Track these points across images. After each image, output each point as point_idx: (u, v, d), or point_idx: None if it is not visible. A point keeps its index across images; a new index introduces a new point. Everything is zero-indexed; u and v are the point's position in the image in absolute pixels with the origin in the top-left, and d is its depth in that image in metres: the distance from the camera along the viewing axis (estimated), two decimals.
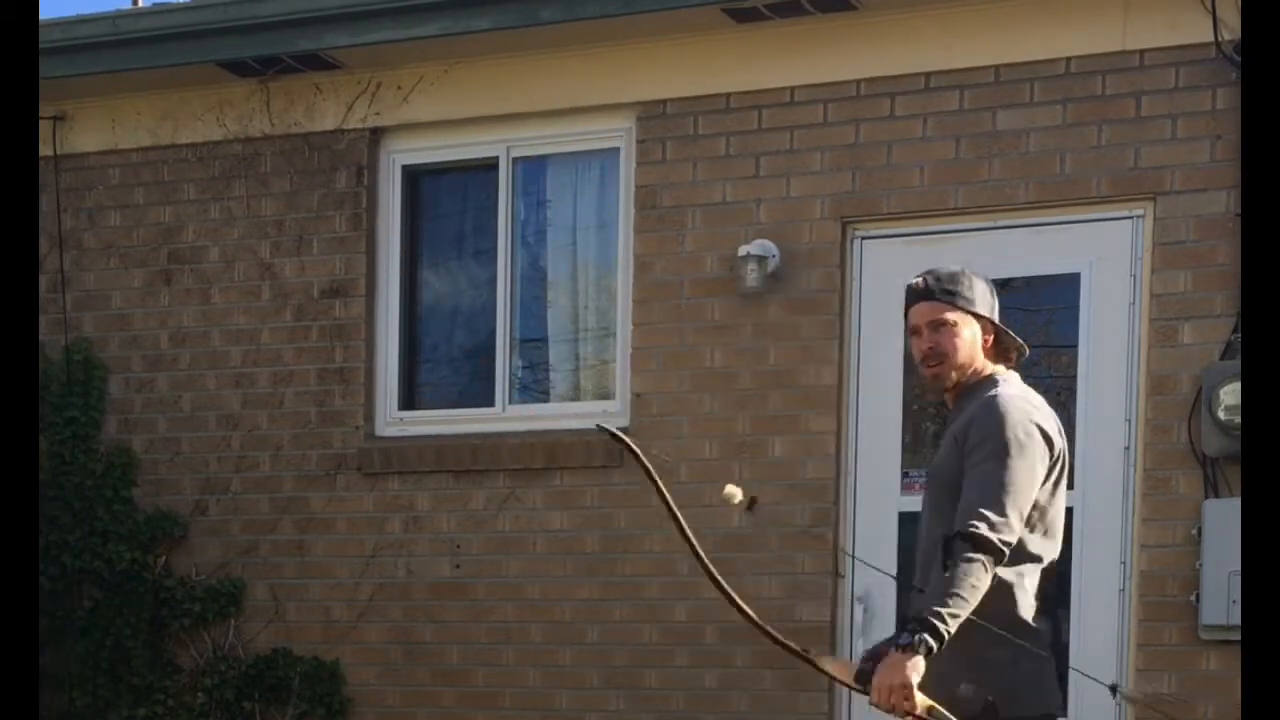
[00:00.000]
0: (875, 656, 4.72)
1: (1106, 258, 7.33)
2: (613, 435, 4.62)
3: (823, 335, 7.69)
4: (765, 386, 7.77)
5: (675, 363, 7.92)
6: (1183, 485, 7.11)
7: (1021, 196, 7.40)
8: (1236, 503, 6.80)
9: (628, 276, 8.07)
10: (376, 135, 8.49)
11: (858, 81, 7.64)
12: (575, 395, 8.42)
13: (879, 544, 7.53)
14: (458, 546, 8.29)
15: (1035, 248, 7.40)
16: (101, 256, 8.93)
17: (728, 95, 7.85)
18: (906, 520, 7.55)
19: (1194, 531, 7.06)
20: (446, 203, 8.65)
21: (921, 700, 4.56)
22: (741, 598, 4.33)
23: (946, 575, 4.58)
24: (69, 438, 8.80)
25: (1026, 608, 4.76)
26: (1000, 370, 4.90)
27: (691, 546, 4.61)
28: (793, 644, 4.72)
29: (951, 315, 4.84)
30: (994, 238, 7.46)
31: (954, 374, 4.86)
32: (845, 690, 7.46)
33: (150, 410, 8.85)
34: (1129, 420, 7.27)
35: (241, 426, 8.66)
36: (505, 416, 8.33)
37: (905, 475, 7.63)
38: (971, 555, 4.55)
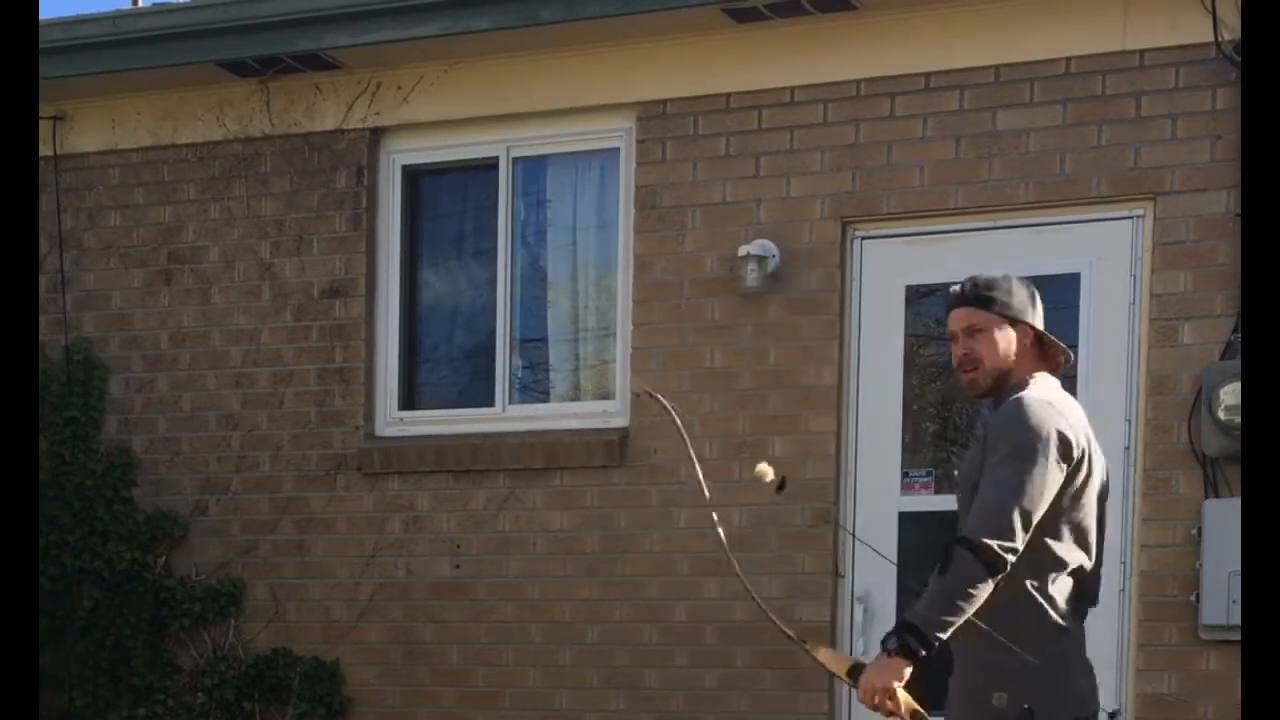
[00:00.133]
0: None
1: (1106, 258, 7.33)
2: (651, 395, 4.98)
3: (823, 335, 7.69)
4: (765, 386, 7.77)
5: (675, 363, 7.92)
6: (1183, 485, 7.11)
7: (1021, 196, 7.40)
8: (1236, 503, 6.80)
9: (628, 276, 8.07)
10: (376, 135, 8.49)
11: (858, 81, 7.64)
12: (575, 395, 8.42)
13: (879, 544, 7.50)
14: (458, 546, 8.29)
15: (1035, 248, 7.40)
16: (101, 256, 8.93)
17: (728, 95, 7.85)
18: (906, 520, 7.56)
19: (1194, 531, 7.06)
20: (446, 203, 8.65)
21: (906, 701, 4.59)
22: (741, 597, 4.38)
23: (942, 580, 4.58)
24: (69, 438, 8.80)
25: (1058, 613, 4.72)
26: (1039, 375, 4.87)
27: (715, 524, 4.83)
28: (789, 630, 4.76)
29: (986, 321, 4.85)
30: (994, 238, 7.46)
31: (988, 379, 4.86)
32: (845, 690, 7.48)
33: (150, 410, 8.85)
34: (1129, 420, 7.27)
35: (241, 426, 8.66)
36: (505, 416, 8.33)
37: (905, 475, 7.64)
38: (969, 561, 4.55)
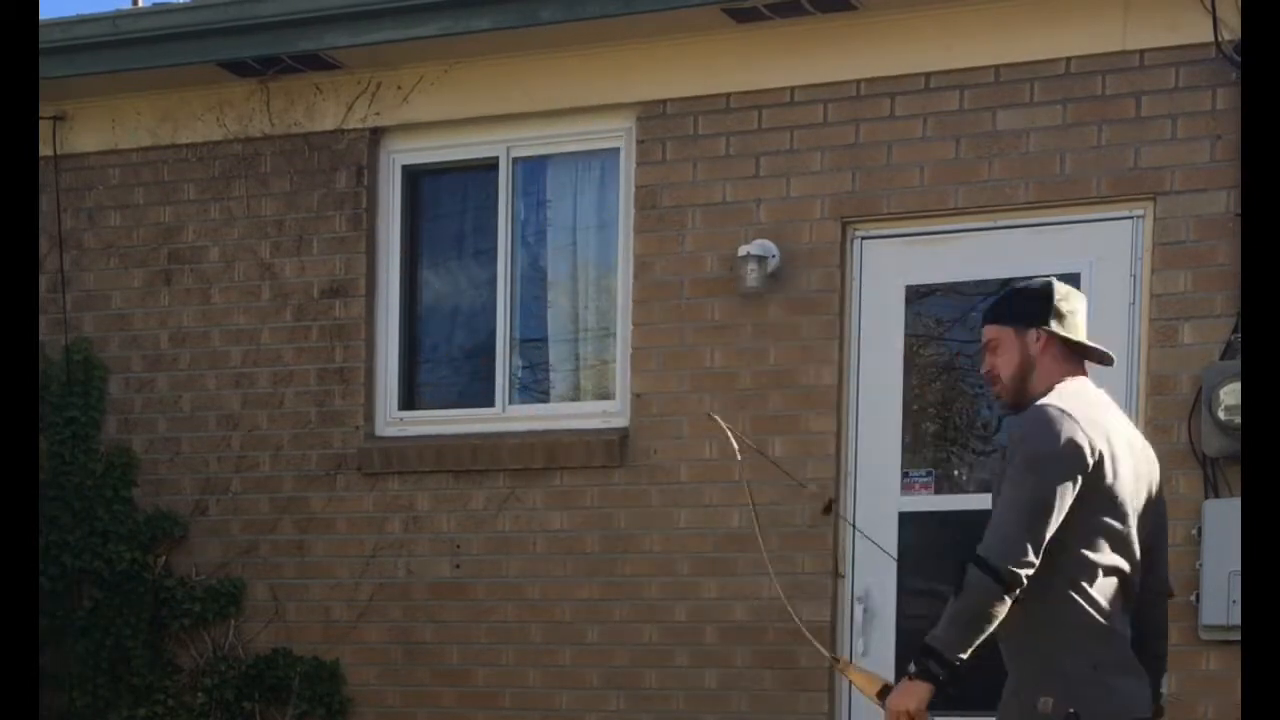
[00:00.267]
0: None
1: (1106, 258, 7.32)
2: (713, 418, 5.40)
3: (823, 335, 7.69)
4: (765, 386, 7.77)
5: (675, 363, 7.92)
6: (1183, 485, 7.11)
7: (1021, 196, 7.40)
8: (1236, 503, 6.80)
9: (628, 276, 8.07)
10: (376, 135, 8.49)
11: (858, 81, 7.64)
12: (575, 395, 8.42)
13: (879, 544, 7.51)
14: (458, 546, 8.29)
15: (1035, 248, 7.39)
16: (101, 256, 8.93)
17: (728, 95, 7.85)
18: (906, 520, 7.55)
19: (1194, 531, 7.06)
20: (446, 203, 8.65)
21: None
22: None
23: (958, 601, 4.59)
24: (69, 438, 8.80)
25: (1102, 615, 4.66)
26: (1067, 380, 4.82)
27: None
28: (824, 649, 4.78)
29: (999, 334, 4.88)
30: (994, 238, 7.46)
31: (1009, 392, 4.86)
32: (845, 690, 7.48)
33: (150, 410, 8.85)
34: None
35: (241, 426, 8.66)
36: (505, 416, 8.33)
37: (905, 475, 7.63)
38: (983, 580, 4.55)
